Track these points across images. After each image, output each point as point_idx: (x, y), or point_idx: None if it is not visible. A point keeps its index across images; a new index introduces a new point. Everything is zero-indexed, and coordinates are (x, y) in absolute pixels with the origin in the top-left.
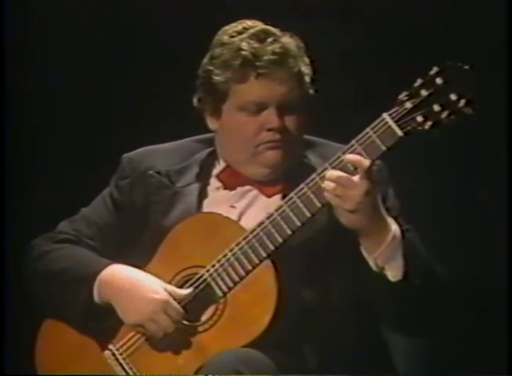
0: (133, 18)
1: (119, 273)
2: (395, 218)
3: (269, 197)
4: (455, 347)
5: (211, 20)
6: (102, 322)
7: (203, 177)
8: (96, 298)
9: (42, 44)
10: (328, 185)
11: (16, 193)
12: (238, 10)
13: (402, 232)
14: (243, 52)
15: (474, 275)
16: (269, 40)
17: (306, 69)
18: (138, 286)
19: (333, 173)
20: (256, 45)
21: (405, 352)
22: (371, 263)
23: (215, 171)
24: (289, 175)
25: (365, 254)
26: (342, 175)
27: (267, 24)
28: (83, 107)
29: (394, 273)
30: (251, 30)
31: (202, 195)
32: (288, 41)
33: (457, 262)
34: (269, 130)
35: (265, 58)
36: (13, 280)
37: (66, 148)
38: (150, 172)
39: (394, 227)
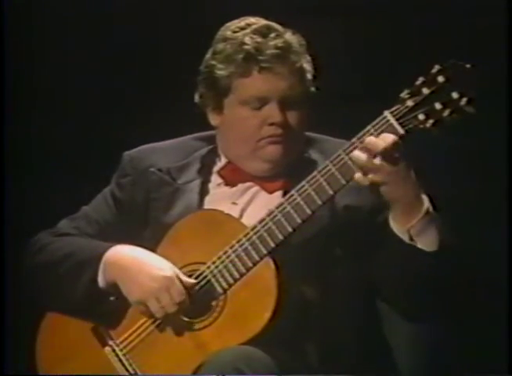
0: (133, 16)
1: (124, 252)
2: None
3: (270, 193)
4: (455, 347)
5: (212, 18)
6: (105, 306)
7: (204, 173)
8: (101, 280)
9: (42, 43)
10: (359, 158)
11: (16, 192)
12: (240, 8)
13: (434, 206)
14: (246, 47)
15: (474, 275)
16: (272, 35)
17: (308, 66)
18: (143, 263)
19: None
20: (259, 39)
21: (405, 352)
22: (403, 235)
23: (216, 168)
24: (290, 170)
25: (396, 225)
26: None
27: (269, 21)
28: (83, 106)
29: (428, 244)
30: (254, 26)
31: (203, 192)
32: (290, 37)
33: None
34: (271, 124)
35: (268, 52)
36: (13, 278)
37: (67, 146)
38: (151, 170)
39: (427, 200)
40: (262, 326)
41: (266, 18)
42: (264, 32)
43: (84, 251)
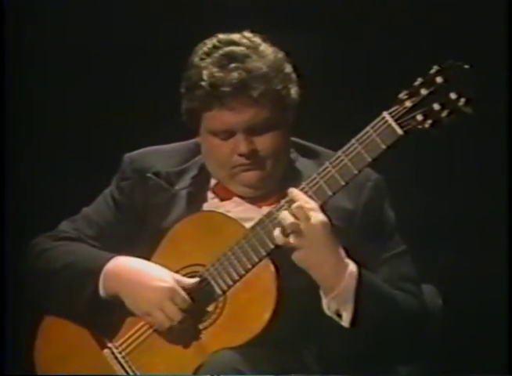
0: (133, 18)
1: (125, 265)
2: (355, 260)
3: (261, 207)
4: (455, 347)
5: (208, 22)
6: (106, 316)
7: (201, 180)
8: (102, 291)
9: (41, 43)
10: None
11: (17, 193)
12: (227, 16)
13: (360, 273)
14: (203, 83)
15: (473, 275)
16: (232, 66)
17: (281, 82)
18: (144, 275)
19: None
20: (217, 74)
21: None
22: (329, 305)
23: (212, 182)
24: (281, 186)
25: (323, 297)
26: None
27: (253, 31)
28: (83, 107)
29: (350, 316)
30: (216, 54)
31: (201, 198)
32: (263, 55)
33: (458, 263)
34: (240, 155)
35: (222, 89)
36: (13, 280)
37: (67, 147)
38: (148, 175)
39: (351, 268)
40: (262, 327)
41: (251, 27)
42: (223, 63)
43: (83, 261)
